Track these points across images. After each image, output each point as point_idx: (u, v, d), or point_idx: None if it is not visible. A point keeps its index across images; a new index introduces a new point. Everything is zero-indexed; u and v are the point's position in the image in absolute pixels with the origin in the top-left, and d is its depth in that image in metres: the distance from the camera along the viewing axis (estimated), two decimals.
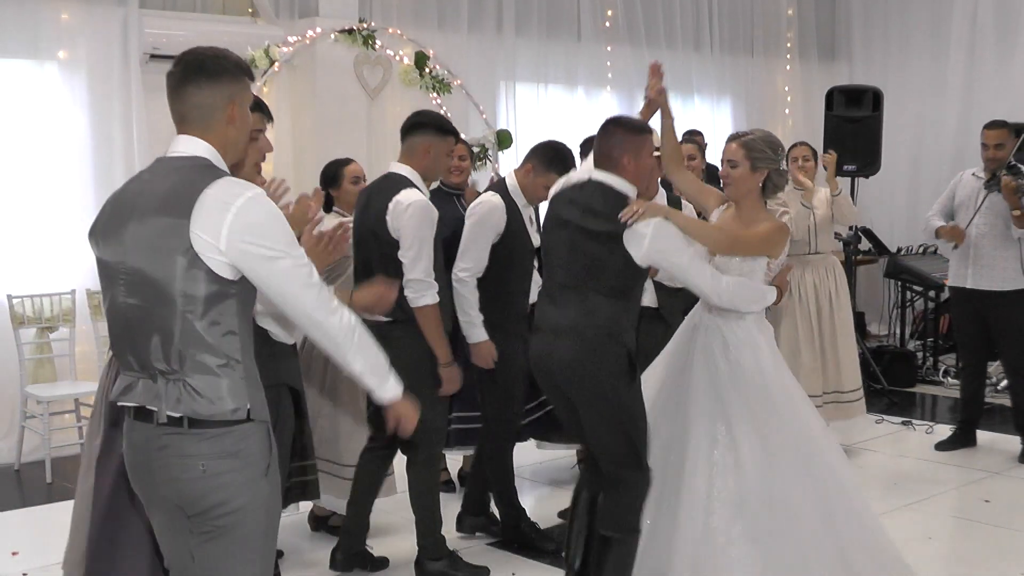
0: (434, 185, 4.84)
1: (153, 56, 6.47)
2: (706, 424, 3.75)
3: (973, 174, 6.12)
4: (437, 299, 4.02)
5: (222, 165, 2.43)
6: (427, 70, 6.73)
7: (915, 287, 8.67)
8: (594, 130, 3.81)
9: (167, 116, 2.48)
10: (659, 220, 3.52)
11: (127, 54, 6.53)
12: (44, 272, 6.30)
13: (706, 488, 3.67)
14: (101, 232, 2.44)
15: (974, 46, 9.21)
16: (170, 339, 2.30)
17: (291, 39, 6.52)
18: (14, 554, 4.67)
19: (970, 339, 6.26)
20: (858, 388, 6.04)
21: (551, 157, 4.42)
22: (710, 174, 5.63)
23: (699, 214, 4.45)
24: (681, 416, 3.82)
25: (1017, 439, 6.08)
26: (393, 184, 4.08)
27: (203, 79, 2.41)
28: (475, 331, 4.36)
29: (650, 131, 3.74)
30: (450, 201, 4.99)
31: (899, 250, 8.97)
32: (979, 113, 8.52)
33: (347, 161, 4.78)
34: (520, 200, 4.48)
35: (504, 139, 7.19)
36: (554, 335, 3.63)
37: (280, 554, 4.58)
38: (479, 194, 4.72)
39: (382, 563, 4.42)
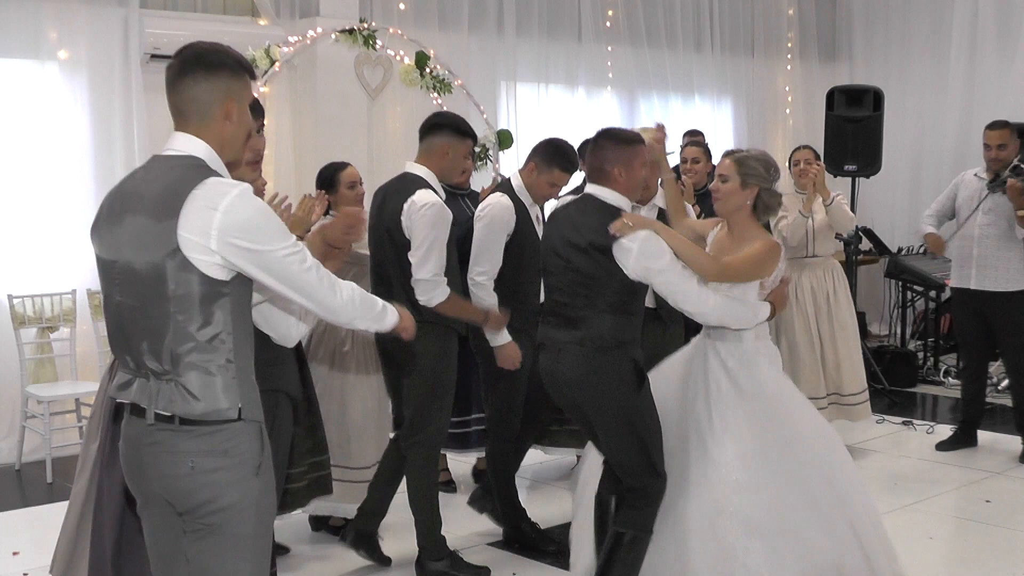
0: None
1: (154, 56, 6.47)
2: (705, 443, 3.68)
3: (975, 175, 6.11)
4: (448, 291, 4.03)
5: (218, 163, 2.40)
6: (428, 70, 6.73)
7: (916, 287, 8.66)
8: (594, 130, 3.81)
9: (168, 116, 2.45)
10: (647, 234, 3.49)
11: (128, 54, 6.53)
12: (45, 272, 6.30)
13: (713, 506, 3.60)
14: (99, 230, 2.44)
15: (975, 46, 9.19)
16: (162, 339, 2.30)
17: (292, 39, 6.51)
18: (15, 554, 4.67)
19: (971, 339, 6.26)
20: (863, 391, 6.00)
21: (552, 153, 4.44)
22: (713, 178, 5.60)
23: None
24: (681, 437, 3.76)
25: (1018, 439, 6.08)
26: (409, 184, 4.09)
27: (200, 72, 2.38)
28: (498, 334, 4.35)
29: (641, 141, 3.71)
30: (456, 201, 5.00)
31: (900, 250, 8.96)
32: (980, 113, 8.53)
33: (343, 165, 4.75)
34: (527, 199, 4.49)
35: (505, 139, 7.18)
36: (558, 352, 3.64)
37: (286, 550, 4.59)
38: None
39: (385, 560, 4.43)
